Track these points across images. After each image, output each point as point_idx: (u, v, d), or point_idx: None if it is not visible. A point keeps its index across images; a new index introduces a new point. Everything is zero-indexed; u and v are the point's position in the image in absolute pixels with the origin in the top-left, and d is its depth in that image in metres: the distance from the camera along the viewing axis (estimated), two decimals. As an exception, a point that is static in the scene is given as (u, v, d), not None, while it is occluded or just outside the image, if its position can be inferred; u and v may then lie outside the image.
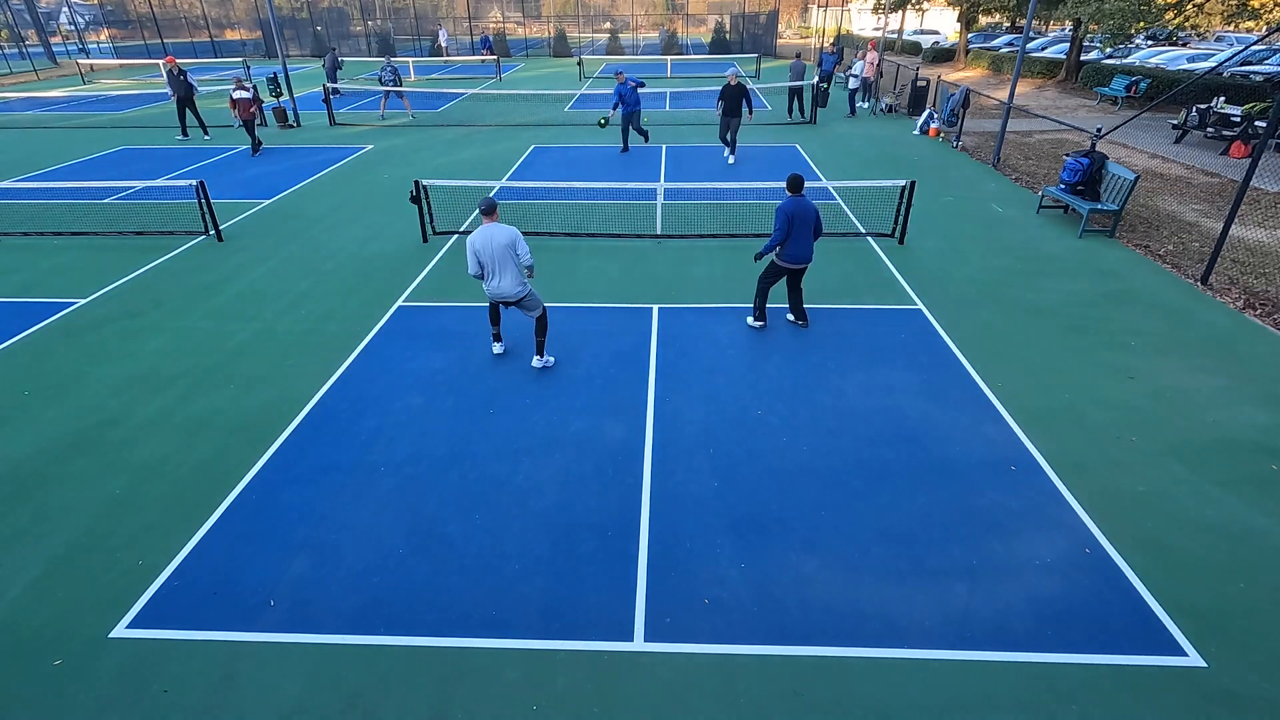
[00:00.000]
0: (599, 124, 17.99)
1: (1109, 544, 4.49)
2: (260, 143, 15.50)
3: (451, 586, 4.21)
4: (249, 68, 24.11)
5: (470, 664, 3.73)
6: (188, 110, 16.31)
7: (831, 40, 36.73)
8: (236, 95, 14.86)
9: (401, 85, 19.88)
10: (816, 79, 18.86)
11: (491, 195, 6.22)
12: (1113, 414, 5.83)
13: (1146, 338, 7.08)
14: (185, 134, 16.55)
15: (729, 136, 14.04)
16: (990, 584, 4.19)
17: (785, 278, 7.12)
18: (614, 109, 14.28)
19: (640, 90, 14.73)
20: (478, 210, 6.11)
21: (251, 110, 14.97)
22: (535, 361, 6.56)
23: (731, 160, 14.01)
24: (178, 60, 16.59)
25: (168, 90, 16.51)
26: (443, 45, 36.68)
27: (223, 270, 8.96)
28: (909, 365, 6.59)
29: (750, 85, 22.13)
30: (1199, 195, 11.91)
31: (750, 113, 13.64)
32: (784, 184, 6.70)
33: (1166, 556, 4.39)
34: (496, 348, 6.79)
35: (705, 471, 5.18)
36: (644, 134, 15.14)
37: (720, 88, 13.63)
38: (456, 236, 10.07)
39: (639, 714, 3.48)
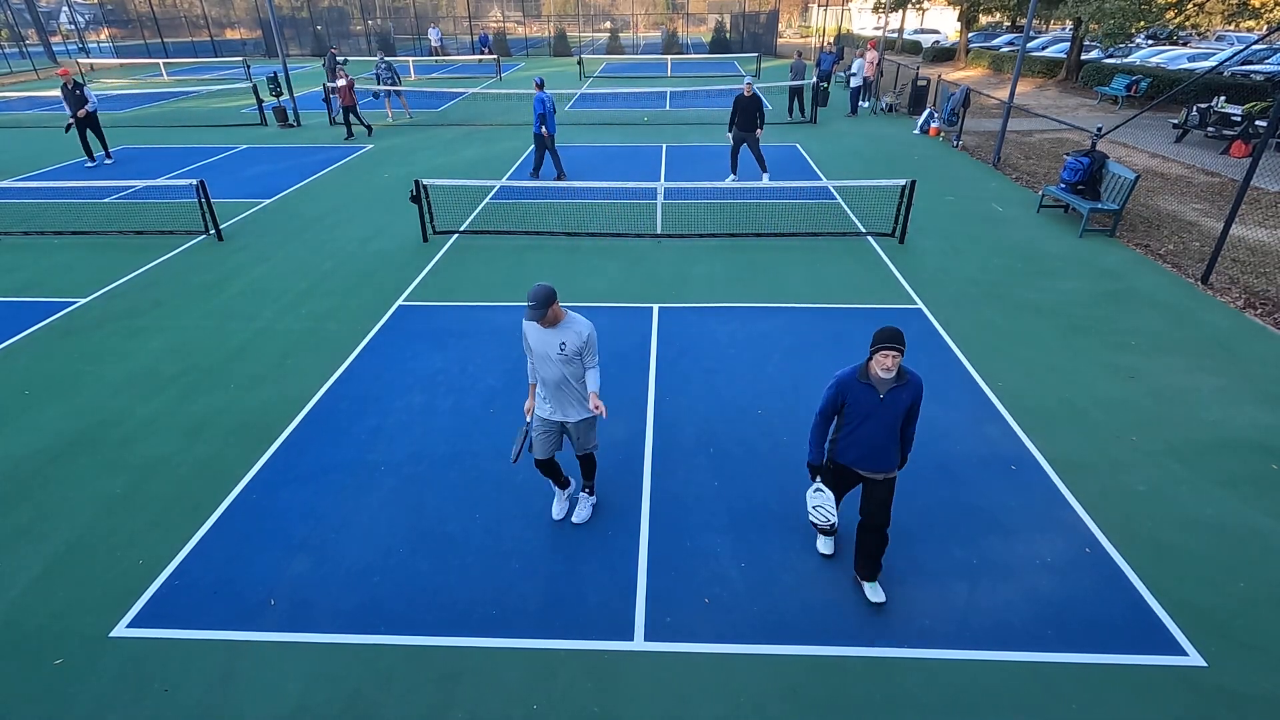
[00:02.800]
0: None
1: (1109, 543, 4.49)
2: (354, 132, 16.62)
3: (451, 586, 4.21)
4: (249, 67, 24.10)
5: (470, 663, 3.73)
6: (88, 130, 13.91)
7: (831, 40, 36.72)
8: (338, 83, 15.83)
9: (398, 85, 19.92)
10: (815, 78, 18.85)
11: (547, 286, 3.93)
12: (1113, 414, 5.83)
13: (1146, 337, 7.07)
14: (92, 158, 14.30)
15: (738, 154, 12.50)
16: (990, 583, 4.19)
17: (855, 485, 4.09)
18: (543, 126, 12.21)
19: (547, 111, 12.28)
20: (534, 305, 3.87)
21: (349, 95, 15.87)
22: (579, 510, 4.77)
23: (765, 180, 12.21)
24: (71, 73, 13.87)
25: (64, 107, 14.16)
26: (435, 45, 36.53)
27: (223, 270, 8.96)
28: (909, 365, 6.57)
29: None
30: (1199, 195, 11.91)
31: (760, 128, 12.06)
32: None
33: (1166, 556, 4.39)
34: (559, 506, 4.78)
35: (705, 471, 5.18)
36: (554, 163, 12.88)
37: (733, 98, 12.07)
38: (457, 236, 10.08)
39: (639, 713, 3.48)
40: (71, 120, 13.59)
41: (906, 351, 6.82)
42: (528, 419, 4.43)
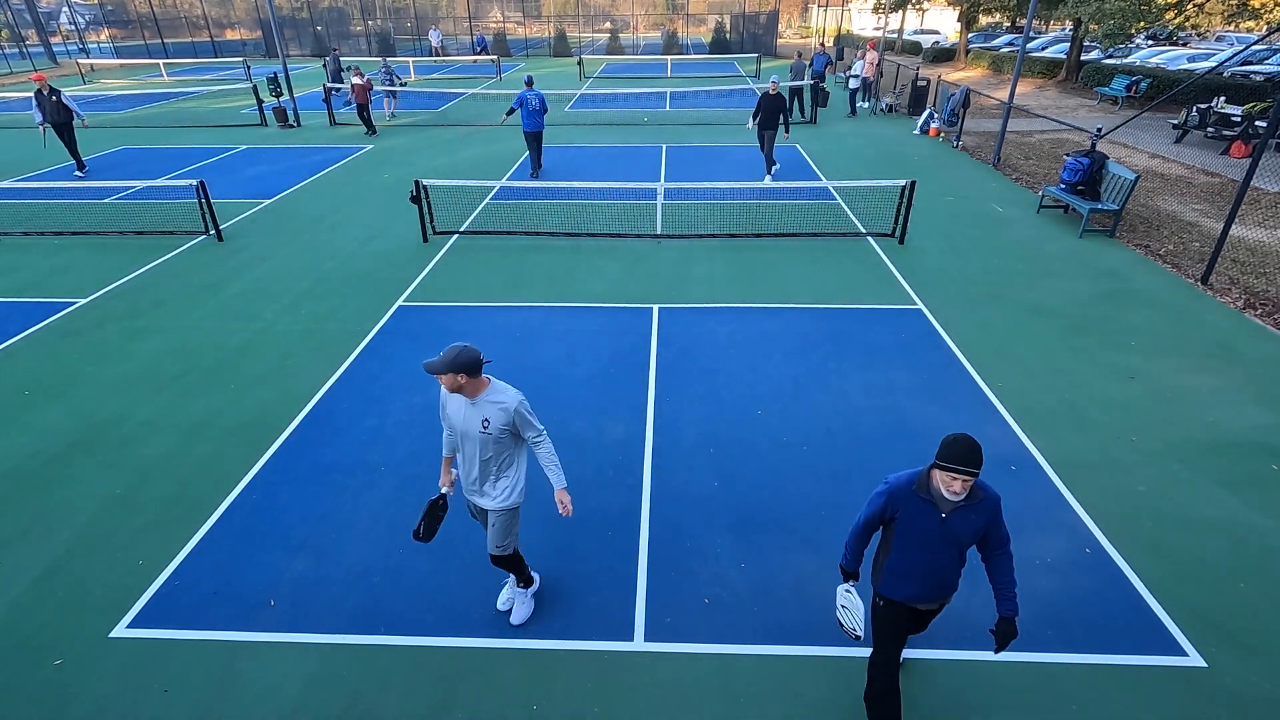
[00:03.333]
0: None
1: (1109, 544, 4.49)
2: (372, 129, 17.24)
3: (451, 586, 4.21)
4: (249, 67, 24.10)
5: (470, 663, 3.73)
6: (64, 135, 13.27)
7: (831, 40, 36.71)
8: (354, 81, 16.60)
9: (394, 86, 20.19)
10: (808, 78, 18.84)
11: (470, 348, 3.26)
12: (1113, 414, 5.83)
13: (1146, 338, 7.07)
14: (82, 166, 13.69)
15: (765, 150, 12.68)
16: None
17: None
18: (507, 114, 13.29)
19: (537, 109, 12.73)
20: (440, 358, 3.23)
21: (364, 94, 16.67)
22: (517, 609, 3.97)
23: (768, 181, 12.50)
24: (47, 80, 13.21)
25: (36, 115, 13.01)
26: (435, 46, 36.68)
27: (223, 270, 8.96)
28: (909, 365, 6.59)
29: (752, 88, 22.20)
30: (1199, 195, 11.91)
31: (787, 130, 12.37)
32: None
33: (1166, 556, 4.39)
34: (507, 595, 4.08)
35: (705, 471, 5.18)
36: (539, 162, 13.32)
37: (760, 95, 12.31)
38: (457, 236, 10.08)
39: (639, 714, 3.48)
40: (44, 128, 13.13)
41: (905, 353, 6.89)
42: (442, 490, 3.75)
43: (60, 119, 13.09)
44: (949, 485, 2.79)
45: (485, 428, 3.38)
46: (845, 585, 3.28)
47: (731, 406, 5.95)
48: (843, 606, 3.26)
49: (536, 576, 4.06)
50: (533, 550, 4.46)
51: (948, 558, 2.97)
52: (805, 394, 6.13)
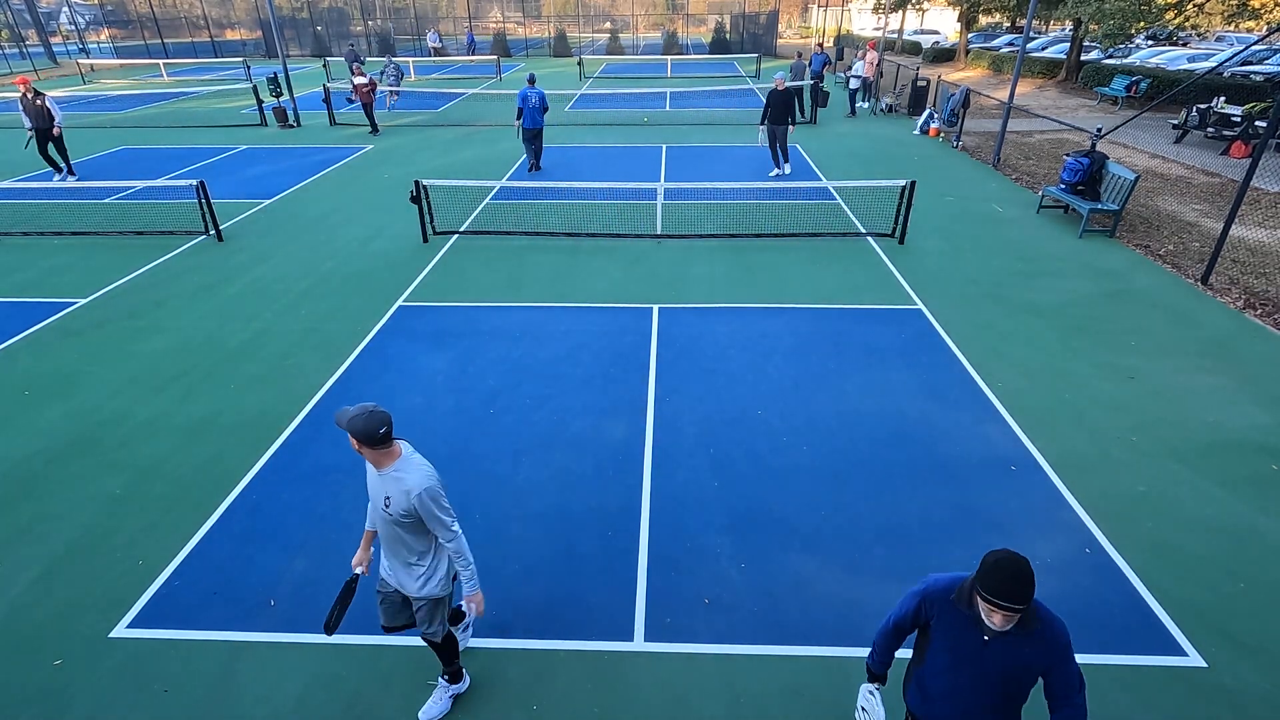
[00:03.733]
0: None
1: (1109, 544, 4.49)
2: (375, 128, 17.36)
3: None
4: (249, 68, 24.11)
5: (470, 664, 3.72)
6: (50, 144, 12.85)
7: (830, 40, 36.71)
8: (355, 81, 16.80)
9: (398, 85, 20.28)
10: (808, 78, 18.84)
11: (375, 414, 2.78)
12: (1113, 414, 5.83)
13: (1146, 338, 7.08)
14: (66, 171, 13.29)
15: (778, 147, 12.82)
16: None
17: None
18: (519, 117, 12.92)
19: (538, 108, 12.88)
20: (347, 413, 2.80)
21: (369, 94, 16.87)
22: (429, 704, 3.45)
23: (787, 170, 13.06)
24: (32, 84, 12.51)
25: (25, 120, 12.51)
26: (434, 47, 36.79)
27: (223, 270, 8.96)
28: (909, 365, 6.58)
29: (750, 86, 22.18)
30: (1199, 195, 11.91)
31: (793, 125, 12.63)
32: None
33: (1166, 556, 4.39)
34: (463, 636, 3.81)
35: (705, 471, 5.18)
36: (537, 159, 13.51)
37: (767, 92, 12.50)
38: (457, 236, 10.08)
39: (639, 714, 3.48)
40: (31, 133, 12.57)
41: (905, 353, 6.90)
42: (355, 571, 3.31)
43: (43, 124, 12.51)
44: (988, 615, 2.23)
45: (386, 505, 2.91)
46: (870, 686, 2.86)
47: (731, 406, 5.95)
48: (862, 709, 2.86)
49: (467, 679, 3.58)
50: (532, 550, 4.46)
51: (988, 691, 2.36)
52: (805, 394, 6.12)
